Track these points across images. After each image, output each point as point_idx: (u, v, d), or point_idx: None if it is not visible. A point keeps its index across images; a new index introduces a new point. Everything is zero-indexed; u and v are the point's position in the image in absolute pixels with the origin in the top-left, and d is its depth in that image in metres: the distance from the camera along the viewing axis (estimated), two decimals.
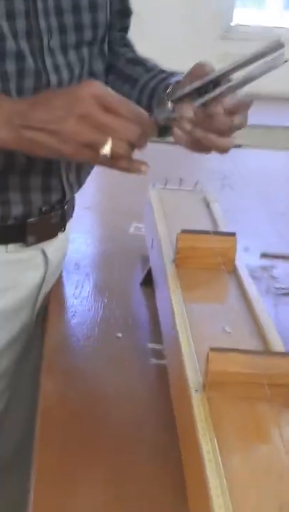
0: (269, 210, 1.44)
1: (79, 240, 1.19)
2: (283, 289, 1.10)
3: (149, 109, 0.82)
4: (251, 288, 0.84)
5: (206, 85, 0.73)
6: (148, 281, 1.03)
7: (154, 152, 1.73)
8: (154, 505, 0.63)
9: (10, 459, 1.02)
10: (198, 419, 0.59)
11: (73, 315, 0.95)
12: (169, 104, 0.74)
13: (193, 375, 0.65)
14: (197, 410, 0.60)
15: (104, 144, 0.68)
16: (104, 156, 0.69)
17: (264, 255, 1.23)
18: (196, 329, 0.74)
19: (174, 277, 0.85)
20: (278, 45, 0.69)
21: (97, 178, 1.54)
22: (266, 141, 2.98)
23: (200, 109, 0.72)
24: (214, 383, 0.62)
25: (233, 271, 0.89)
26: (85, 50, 0.88)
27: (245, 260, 1.18)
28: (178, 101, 0.74)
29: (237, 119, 0.73)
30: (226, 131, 0.73)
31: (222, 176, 1.61)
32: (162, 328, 0.86)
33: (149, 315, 0.97)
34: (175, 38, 3.06)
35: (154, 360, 0.85)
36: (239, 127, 0.73)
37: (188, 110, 0.72)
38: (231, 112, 0.72)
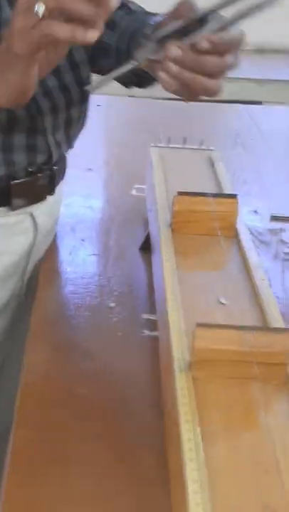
0: (283, 171, 1.37)
1: (77, 203, 1.13)
2: None
3: (129, 54, 0.77)
4: (252, 255, 0.77)
5: (193, 24, 0.66)
6: (147, 247, 0.97)
7: (161, 110, 1.66)
8: (142, 487, 0.58)
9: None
10: (181, 402, 0.54)
11: (65, 283, 0.90)
12: (151, 44, 0.68)
13: (179, 352, 0.59)
14: (180, 392, 0.55)
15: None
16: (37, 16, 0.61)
17: (274, 218, 1.16)
18: (189, 301, 0.69)
19: (168, 243, 0.79)
20: None
21: (101, 137, 1.49)
22: (288, 97, 2.87)
23: (187, 48, 0.65)
24: (201, 362, 0.57)
25: (235, 236, 0.83)
26: None
27: (254, 223, 1.12)
28: (161, 41, 0.67)
29: (227, 59, 0.66)
30: (216, 73, 0.66)
31: (235, 133, 1.53)
32: (156, 298, 0.80)
33: (147, 282, 0.91)
34: None
35: (147, 332, 0.80)
36: (230, 68, 0.67)
37: (174, 49, 0.65)
38: (221, 52, 0.65)
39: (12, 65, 0.65)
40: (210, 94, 0.68)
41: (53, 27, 0.61)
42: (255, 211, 1.16)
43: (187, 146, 1.09)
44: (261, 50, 3.17)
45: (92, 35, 0.61)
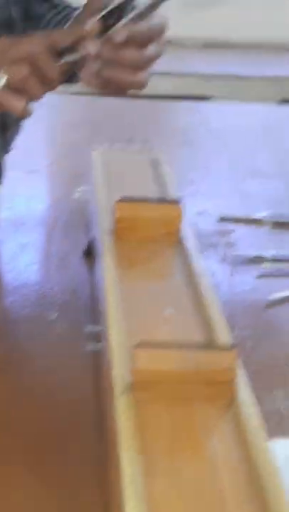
0: (233, 170, 1.34)
1: (18, 207, 1.08)
2: (240, 256, 1.01)
3: None
4: (198, 263, 0.74)
5: (109, 17, 0.64)
6: (91, 253, 0.93)
7: (104, 108, 1.63)
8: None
9: None
10: (122, 427, 0.50)
11: (4, 294, 0.85)
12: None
13: (120, 373, 0.56)
14: (122, 416, 0.51)
15: None
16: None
17: (223, 219, 1.13)
18: (132, 314, 0.65)
19: (110, 252, 0.75)
20: None
21: (44, 137, 1.44)
22: (238, 92, 2.86)
23: (106, 43, 0.63)
24: (143, 383, 0.53)
25: (180, 242, 0.80)
26: None
27: (202, 225, 1.09)
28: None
29: (151, 49, 0.64)
30: (138, 66, 0.64)
31: (182, 132, 1.51)
32: (100, 311, 0.77)
33: (91, 291, 0.88)
34: None
35: (90, 346, 0.76)
36: (155, 58, 0.65)
37: (92, 46, 0.63)
38: (144, 42, 0.63)
39: None
40: (135, 88, 0.66)
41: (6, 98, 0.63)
42: (203, 212, 1.14)
43: (131, 147, 1.06)
44: (208, 45, 3.16)
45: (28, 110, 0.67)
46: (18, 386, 0.70)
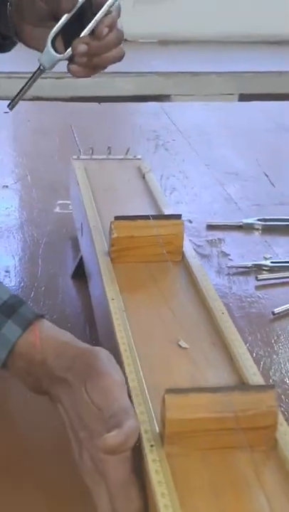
0: (209, 172, 1.29)
1: None
2: (236, 267, 0.95)
3: None
4: (206, 284, 0.69)
5: (80, 12, 0.70)
6: (81, 273, 0.87)
7: (73, 113, 1.56)
8: None
9: None
10: (160, 492, 0.44)
11: None
12: (51, 48, 0.71)
13: (146, 421, 0.50)
14: (156, 478, 0.45)
15: None
16: None
17: (210, 226, 1.08)
18: (144, 348, 0.59)
19: (110, 277, 0.69)
20: None
21: (13, 148, 1.37)
22: (195, 89, 2.82)
23: (88, 37, 0.70)
24: (175, 434, 0.47)
25: (182, 261, 0.74)
26: None
27: (191, 235, 1.03)
28: (55, 37, 0.71)
29: (120, 28, 0.71)
30: (116, 44, 0.71)
31: (154, 135, 1.45)
32: (100, 340, 0.70)
33: (85, 317, 0.81)
34: None
35: None
36: (123, 35, 0.72)
37: (81, 46, 0.69)
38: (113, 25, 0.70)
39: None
40: (118, 61, 0.73)
41: None
42: (190, 221, 1.08)
43: (112, 157, 0.99)
44: (164, 42, 3.10)
45: None
46: (23, 434, 0.64)
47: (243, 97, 2.82)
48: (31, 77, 0.73)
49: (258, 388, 0.49)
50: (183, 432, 0.47)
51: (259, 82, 2.87)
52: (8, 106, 0.74)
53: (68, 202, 1.05)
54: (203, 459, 0.47)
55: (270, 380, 0.73)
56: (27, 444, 0.62)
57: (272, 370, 0.75)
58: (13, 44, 0.85)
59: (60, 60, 0.71)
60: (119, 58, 0.73)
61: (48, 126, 1.48)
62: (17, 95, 0.73)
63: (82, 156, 0.99)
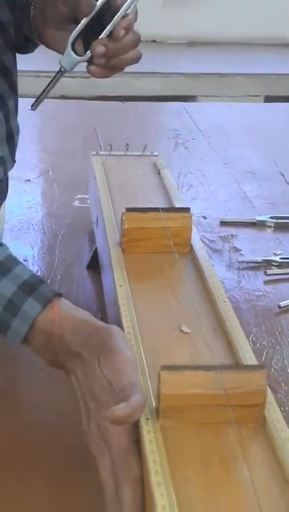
0: (227, 171, 1.32)
1: (17, 218, 1.06)
2: (246, 262, 0.98)
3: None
4: (211, 274, 0.72)
5: (99, 15, 0.73)
6: (95, 264, 0.90)
7: (97, 112, 1.60)
8: None
9: None
10: (152, 459, 0.48)
11: None
12: (71, 50, 0.74)
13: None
14: (149, 447, 0.49)
15: None
16: None
17: (224, 223, 1.11)
18: (148, 331, 0.63)
19: (119, 265, 0.73)
20: None
21: (36, 144, 1.41)
22: (222, 90, 2.84)
23: (106, 39, 0.72)
24: (169, 409, 0.51)
25: (190, 253, 0.77)
26: None
27: (204, 231, 1.07)
28: (75, 40, 0.74)
29: (137, 31, 0.74)
30: (133, 46, 0.74)
31: (175, 134, 1.48)
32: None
33: (98, 304, 0.85)
34: None
35: None
36: (139, 37, 0.74)
37: (99, 48, 0.72)
38: (131, 28, 0.73)
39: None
40: (136, 62, 0.76)
41: None
42: (204, 217, 1.12)
43: (130, 153, 1.03)
44: (192, 43, 3.13)
45: None
46: (31, 403, 0.68)
47: (269, 99, 2.84)
48: (53, 78, 0.76)
49: (249, 368, 0.52)
50: (176, 406, 0.50)
51: (285, 84, 2.89)
52: (31, 106, 0.78)
53: (87, 196, 1.09)
54: (195, 433, 0.50)
55: (272, 369, 0.76)
56: (31, 422, 0.66)
57: (275, 360, 0.78)
58: (35, 46, 0.89)
59: (80, 61, 0.74)
60: (136, 60, 0.75)
61: (72, 124, 1.52)
62: (40, 96, 0.76)
63: (100, 152, 1.03)
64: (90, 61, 0.74)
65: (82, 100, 1.86)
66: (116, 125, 1.47)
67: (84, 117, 1.55)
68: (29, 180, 1.20)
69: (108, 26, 0.72)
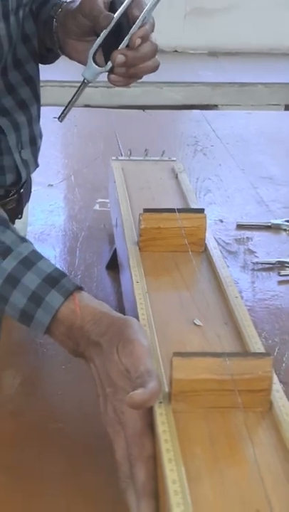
0: (245, 177, 1.35)
1: (39, 221, 1.10)
2: (261, 263, 1.02)
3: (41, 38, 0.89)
4: (224, 271, 0.75)
5: (117, 27, 0.77)
6: (114, 264, 0.94)
7: (118, 119, 1.64)
8: None
9: None
10: (163, 438, 0.51)
11: None
12: (93, 62, 0.78)
13: None
14: (162, 427, 0.52)
15: None
16: None
17: (240, 226, 1.14)
18: (163, 324, 0.66)
19: (137, 263, 0.76)
20: None
21: (59, 151, 1.45)
22: (242, 99, 2.88)
23: (126, 49, 0.76)
24: (180, 393, 0.54)
25: (204, 251, 0.81)
26: (20, 13, 0.80)
27: (220, 233, 1.10)
28: (96, 52, 0.78)
29: (154, 41, 0.78)
30: (151, 55, 0.78)
31: (194, 141, 1.52)
32: None
33: (116, 302, 0.89)
34: None
35: None
36: (157, 47, 0.79)
37: (120, 58, 0.76)
38: (146, 37, 0.77)
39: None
40: (153, 72, 0.80)
41: None
42: (221, 220, 1.15)
43: (149, 158, 1.07)
44: (213, 53, 3.17)
45: None
46: (54, 401, 0.71)
47: None
48: (77, 90, 0.81)
49: (256, 355, 0.55)
50: (187, 391, 0.54)
51: None
52: (58, 118, 0.82)
53: (107, 200, 1.13)
54: (204, 416, 0.54)
55: (283, 364, 0.79)
56: (53, 408, 0.70)
57: (286, 355, 0.81)
58: (56, 57, 0.94)
59: (102, 72, 0.79)
60: (154, 69, 0.79)
61: (94, 132, 1.56)
62: (66, 108, 0.81)
63: (120, 157, 1.07)
64: (110, 71, 0.78)
65: (104, 108, 1.90)
66: (136, 132, 1.51)
67: (105, 125, 1.59)
68: (52, 185, 1.24)
69: (127, 36, 0.76)
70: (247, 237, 1.10)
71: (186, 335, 0.65)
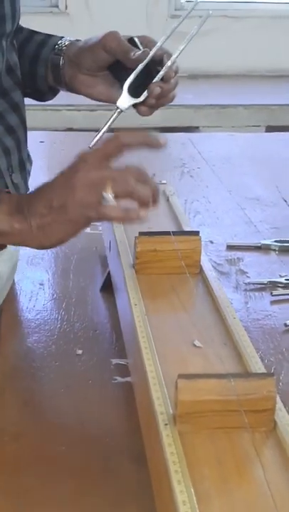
0: (232, 198, 1.37)
1: None
2: (253, 284, 1.03)
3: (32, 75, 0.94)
4: (220, 292, 0.76)
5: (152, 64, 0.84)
6: (108, 287, 0.95)
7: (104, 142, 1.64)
8: None
9: None
10: (171, 460, 0.51)
11: (28, 332, 0.87)
12: (127, 92, 0.84)
13: (162, 406, 0.57)
14: (168, 449, 0.52)
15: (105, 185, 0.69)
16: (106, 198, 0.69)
17: (230, 247, 1.15)
18: (163, 346, 0.67)
19: (134, 286, 0.77)
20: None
21: (49, 177, 1.46)
22: (223, 121, 2.91)
23: (160, 82, 0.84)
24: (185, 415, 0.55)
25: (200, 273, 0.82)
26: (4, 43, 0.82)
27: (212, 255, 1.11)
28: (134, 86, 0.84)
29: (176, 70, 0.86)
30: (175, 88, 0.86)
31: (181, 163, 1.53)
32: (125, 343, 0.78)
33: (112, 324, 0.89)
34: (125, 19, 2.97)
35: (119, 379, 0.77)
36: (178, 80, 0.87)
37: (156, 89, 0.83)
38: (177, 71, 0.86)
39: (60, 223, 0.70)
40: (172, 101, 0.88)
41: (113, 211, 0.69)
42: (211, 241, 1.16)
43: None
44: (194, 76, 3.21)
45: (143, 214, 0.71)
46: (55, 423, 0.72)
47: (270, 129, 2.91)
48: (110, 118, 0.85)
49: (259, 375, 0.56)
50: (192, 412, 0.54)
51: (285, 114, 2.96)
52: (89, 147, 0.85)
53: (98, 223, 1.14)
54: (210, 436, 0.54)
55: (280, 383, 0.80)
56: (55, 435, 0.70)
57: (283, 375, 0.82)
58: (55, 93, 0.96)
59: (135, 102, 0.85)
60: (173, 99, 0.87)
61: None
62: (97, 134, 0.85)
63: None
64: (142, 102, 0.84)
65: (88, 132, 1.92)
66: (124, 154, 1.52)
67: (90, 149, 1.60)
68: None
69: (162, 71, 0.83)
70: (238, 258, 1.11)
71: (187, 356, 0.65)
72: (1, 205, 0.71)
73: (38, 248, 0.73)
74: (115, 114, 0.84)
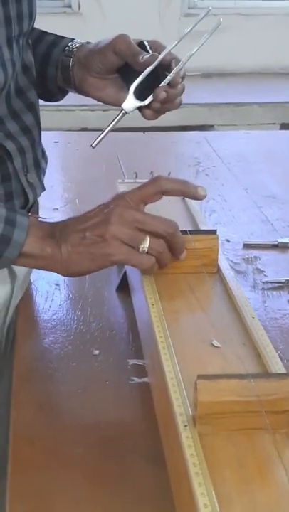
0: (248, 196, 1.36)
1: None
2: (271, 283, 1.02)
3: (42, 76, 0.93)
4: (238, 292, 0.75)
5: (159, 68, 0.84)
6: (124, 287, 0.94)
7: (118, 142, 1.64)
8: None
9: None
10: (191, 462, 0.51)
11: (44, 332, 0.86)
12: (133, 95, 0.84)
13: (181, 407, 0.56)
14: (189, 451, 0.52)
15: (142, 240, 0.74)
16: (143, 251, 0.74)
17: (247, 245, 1.14)
18: (181, 346, 0.66)
19: (151, 286, 0.76)
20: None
21: (63, 175, 1.46)
22: (238, 119, 2.90)
23: (166, 86, 0.83)
24: (205, 416, 0.54)
25: (217, 272, 0.81)
26: (21, 42, 0.81)
27: (228, 253, 1.10)
28: (140, 89, 0.84)
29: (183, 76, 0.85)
30: (181, 94, 0.86)
31: (196, 162, 1.52)
32: (142, 344, 0.77)
33: (128, 325, 0.88)
34: (138, 18, 2.96)
35: (136, 379, 0.76)
36: (184, 87, 0.87)
37: (163, 94, 0.83)
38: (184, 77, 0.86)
39: (89, 253, 0.74)
40: (178, 107, 0.88)
41: (146, 260, 0.74)
42: (228, 240, 1.15)
43: None
44: (208, 75, 3.20)
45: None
46: (72, 424, 0.71)
47: (285, 126, 2.89)
48: (114, 119, 0.86)
49: (280, 376, 0.55)
50: (212, 413, 0.53)
51: None
52: (91, 145, 0.85)
53: None
54: (231, 438, 0.53)
55: None
56: (72, 436, 0.69)
57: None
58: (64, 94, 0.97)
59: (140, 105, 0.85)
60: (179, 105, 0.87)
61: (95, 155, 1.56)
62: (100, 135, 0.84)
63: (126, 180, 1.07)
64: (147, 105, 0.84)
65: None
66: (137, 154, 1.51)
67: (106, 147, 1.59)
68: (57, 209, 1.24)
69: (169, 76, 0.83)
70: (255, 257, 1.10)
71: (206, 356, 0.64)
72: (34, 228, 0.74)
73: (62, 274, 0.76)
74: (119, 116, 0.84)
